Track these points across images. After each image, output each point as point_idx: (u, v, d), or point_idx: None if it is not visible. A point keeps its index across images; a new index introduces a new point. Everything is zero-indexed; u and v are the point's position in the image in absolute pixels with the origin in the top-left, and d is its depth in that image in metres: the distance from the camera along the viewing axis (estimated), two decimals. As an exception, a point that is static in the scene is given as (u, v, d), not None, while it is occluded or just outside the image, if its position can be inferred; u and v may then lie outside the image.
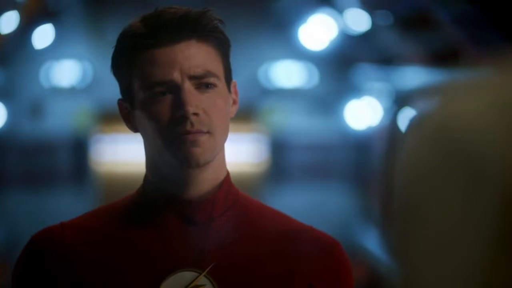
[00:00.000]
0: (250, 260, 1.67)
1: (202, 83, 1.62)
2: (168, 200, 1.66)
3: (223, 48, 1.68)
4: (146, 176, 1.71)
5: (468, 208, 1.19)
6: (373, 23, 8.66)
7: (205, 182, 1.67)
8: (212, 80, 1.63)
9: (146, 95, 1.62)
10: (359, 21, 8.92)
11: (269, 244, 1.69)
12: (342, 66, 10.86)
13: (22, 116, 10.58)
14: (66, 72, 10.61)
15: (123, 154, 10.54)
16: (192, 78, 1.61)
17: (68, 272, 1.64)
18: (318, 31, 10.31)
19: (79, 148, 10.68)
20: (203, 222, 1.67)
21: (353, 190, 11.09)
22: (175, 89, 1.61)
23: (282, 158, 11.03)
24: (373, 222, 10.15)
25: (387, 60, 9.27)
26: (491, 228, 1.18)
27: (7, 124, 10.41)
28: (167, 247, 1.64)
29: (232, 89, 1.71)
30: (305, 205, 10.92)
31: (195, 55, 1.62)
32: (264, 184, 10.80)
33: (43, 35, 10.24)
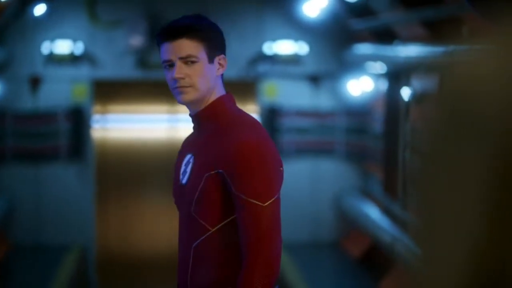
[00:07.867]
0: (208, 147, 3.12)
1: (187, 61, 3.12)
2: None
3: (206, 41, 3.14)
4: None
5: (469, 166, 1.21)
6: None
7: (199, 107, 3.21)
8: (192, 59, 3.12)
9: (163, 66, 3.17)
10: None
11: (215, 140, 3.11)
12: (339, 40, 10.77)
13: (20, 88, 10.57)
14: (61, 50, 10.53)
15: (117, 124, 10.76)
16: (181, 58, 3.12)
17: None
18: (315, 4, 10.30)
19: (76, 118, 10.66)
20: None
21: (351, 161, 11.03)
22: (173, 64, 3.15)
23: (277, 123, 10.99)
24: (373, 193, 10.09)
25: (385, 35, 9.16)
26: (488, 192, 1.20)
27: (5, 96, 10.47)
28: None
29: (217, 61, 3.17)
30: (304, 173, 10.88)
31: (183, 46, 3.12)
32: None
33: (38, 13, 10.19)
